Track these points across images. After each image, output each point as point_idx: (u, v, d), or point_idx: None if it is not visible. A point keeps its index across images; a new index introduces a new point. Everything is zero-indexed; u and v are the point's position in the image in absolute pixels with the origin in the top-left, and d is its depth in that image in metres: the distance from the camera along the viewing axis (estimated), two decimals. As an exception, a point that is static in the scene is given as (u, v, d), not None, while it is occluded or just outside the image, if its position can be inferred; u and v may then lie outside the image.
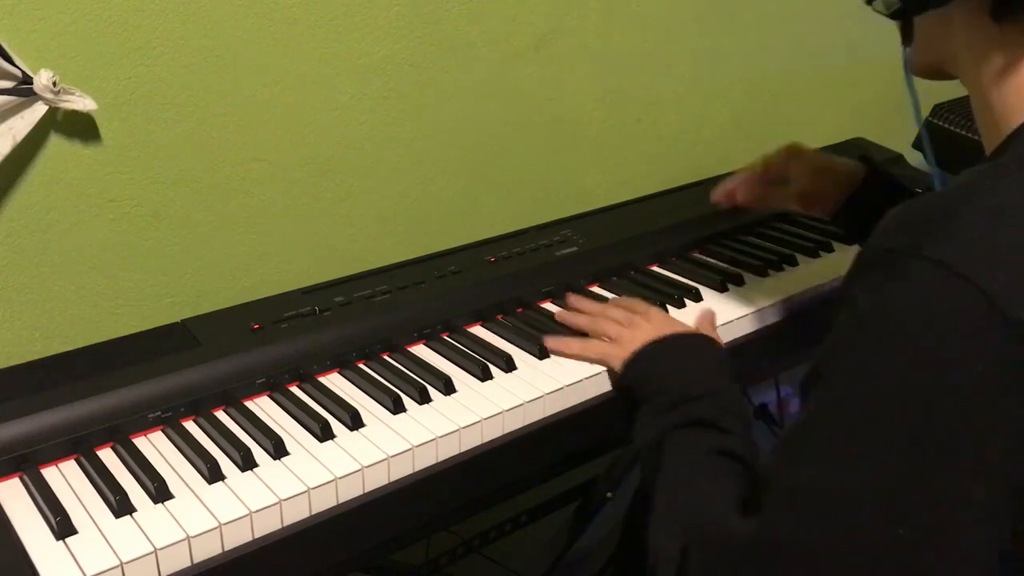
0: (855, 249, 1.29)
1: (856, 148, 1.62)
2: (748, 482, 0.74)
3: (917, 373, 0.57)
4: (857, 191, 1.12)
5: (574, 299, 1.09)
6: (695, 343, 0.94)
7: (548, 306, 1.12)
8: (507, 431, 0.91)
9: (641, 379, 0.91)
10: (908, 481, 0.56)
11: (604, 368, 0.97)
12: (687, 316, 1.08)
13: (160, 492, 0.77)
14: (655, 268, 1.22)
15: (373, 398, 0.92)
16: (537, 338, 1.01)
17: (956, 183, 0.64)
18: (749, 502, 0.68)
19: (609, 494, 1.45)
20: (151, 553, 0.72)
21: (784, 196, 1.17)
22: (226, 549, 0.75)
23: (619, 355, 0.94)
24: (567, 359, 0.99)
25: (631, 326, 0.98)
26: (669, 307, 1.10)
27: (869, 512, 0.57)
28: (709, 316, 1.06)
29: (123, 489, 0.77)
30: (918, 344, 0.57)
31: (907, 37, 0.81)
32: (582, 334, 1.03)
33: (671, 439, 0.81)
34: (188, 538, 0.73)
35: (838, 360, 0.62)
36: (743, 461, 0.76)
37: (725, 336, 1.07)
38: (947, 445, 0.56)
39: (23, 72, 0.95)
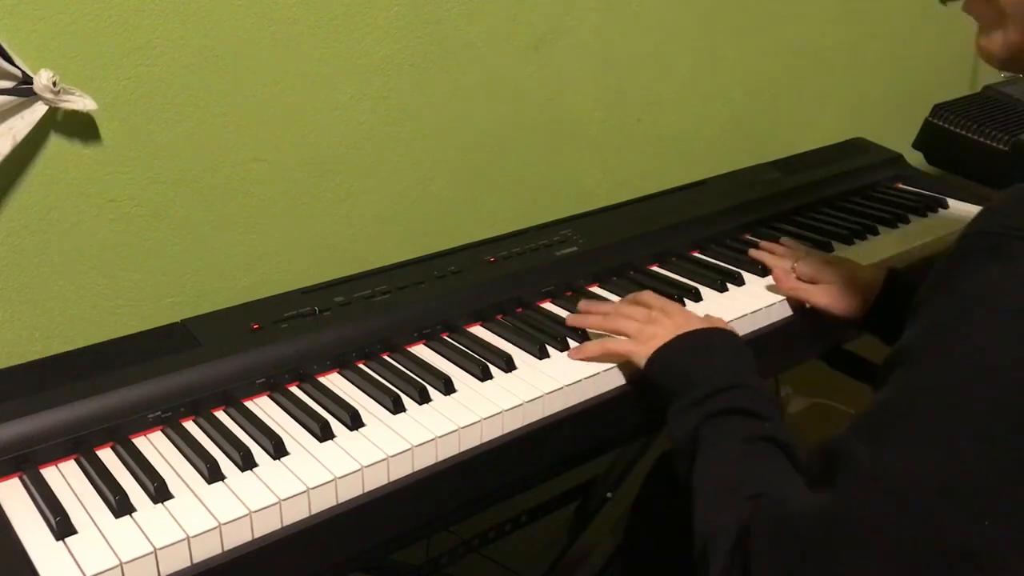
0: (854, 249, 1.29)
1: (856, 148, 1.62)
2: (794, 466, 0.75)
3: (1021, 359, 0.56)
4: (879, 296, 1.09)
5: (585, 303, 1.08)
6: (718, 336, 0.95)
7: (548, 306, 1.12)
8: (507, 431, 0.91)
9: (667, 375, 0.91)
10: (1007, 474, 0.56)
11: (603, 368, 0.97)
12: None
13: (160, 492, 0.77)
14: (655, 268, 1.22)
15: (373, 398, 0.92)
16: (537, 338, 1.01)
17: None
18: (817, 477, 0.66)
19: (609, 494, 1.45)
20: (151, 553, 0.72)
21: (815, 293, 1.13)
22: (226, 549, 0.75)
23: (641, 352, 0.95)
24: (565, 359, 0.99)
25: (650, 322, 0.98)
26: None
27: (957, 504, 0.56)
28: (717, 318, 1.06)
29: (123, 489, 0.77)
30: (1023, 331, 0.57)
31: None
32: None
33: (709, 428, 0.81)
34: (188, 538, 0.73)
35: (937, 342, 0.61)
36: (785, 447, 0.78)
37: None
38: None
39: (23, 72, 0.95)
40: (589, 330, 1.03)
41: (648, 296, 1.04)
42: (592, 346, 0.99)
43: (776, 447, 0.78)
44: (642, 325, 0.98)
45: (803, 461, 0.76)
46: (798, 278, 1.13)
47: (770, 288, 1.15)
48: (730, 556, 0.68)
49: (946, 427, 0.58)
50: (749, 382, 0.87)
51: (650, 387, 0.93)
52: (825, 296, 1.10)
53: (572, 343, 1.02)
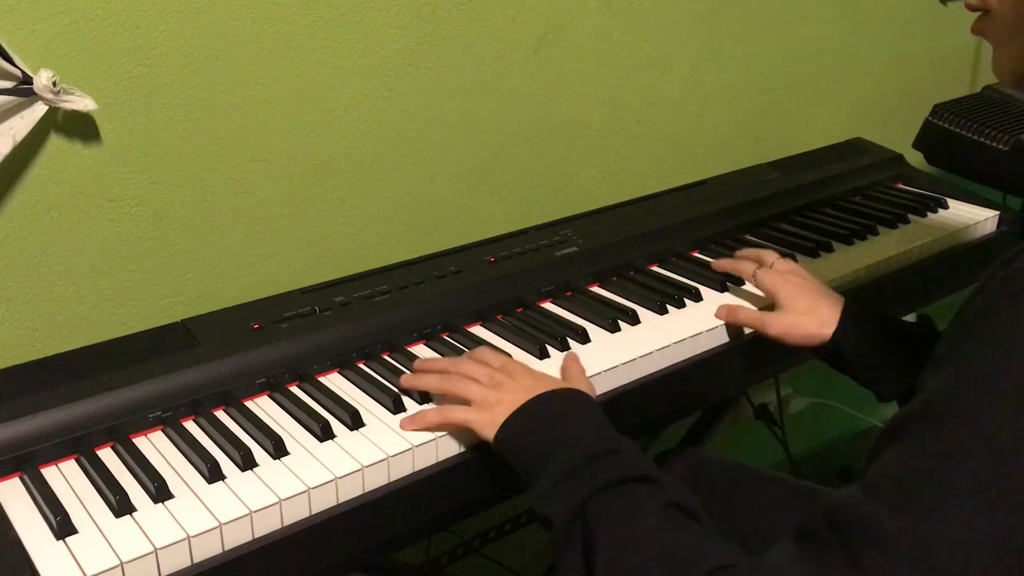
0: (854, 249, 1.29)
1: (856, 148, 1.62)
2: (720, 537, 0.67)
3: None
4: (837, 331, 1.00)
5: (419, 362, 0.95)
6: (573, 399, 0.84)
7: (548, 306, 1.12)
8: (507, 431, 0.90)
9: (522, 447, 0.80)
10: None
11: (605, 367, 0.97)
12: (687, 316, 1.09)
13: (160, 492, 0.77)
14: (655, 268, 1.23)
15: (373, 398, 0.92)
16: (537, 338, 1.01)
17: None
18: (823, 548, 0.57)
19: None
20: (151, 553, 0.72)
21: (767, 323, 1.04)
22: (226, 549, 0.75)
23: (486, 421, 0.83)
24: (562, 358, 0.99)
25: (494, 386, 0.86)
26: (669, 307, 1.10)
27: (1006, 562, 0.51)
28: (574, 356, 0.97)
29: (123, 489, 0.77)
30: None
31: None
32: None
33: (601, 504, 0.71)
34: (188, 538, 0.73)
35: (974, 394, 0.55)
36: (695, 512, 0.70)
37: (725, 335, 1.07)
38: None
39: (23, 72, 0.95)
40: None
41: (488, 355, 0.92)
42: (430, 415, 0.86)
43: (688, 514, 0.70)
44: (486, 390, 0.86)
45: (712, 526, 0.69)
46: (758, 284, 1.07)
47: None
48: None
49: (995, 487, 0.52)
50: (624, 446, 0.77)
51: (495, 458, 0.83)
52: (778, 324, 1.02)
53: (572, 343, 1.02)
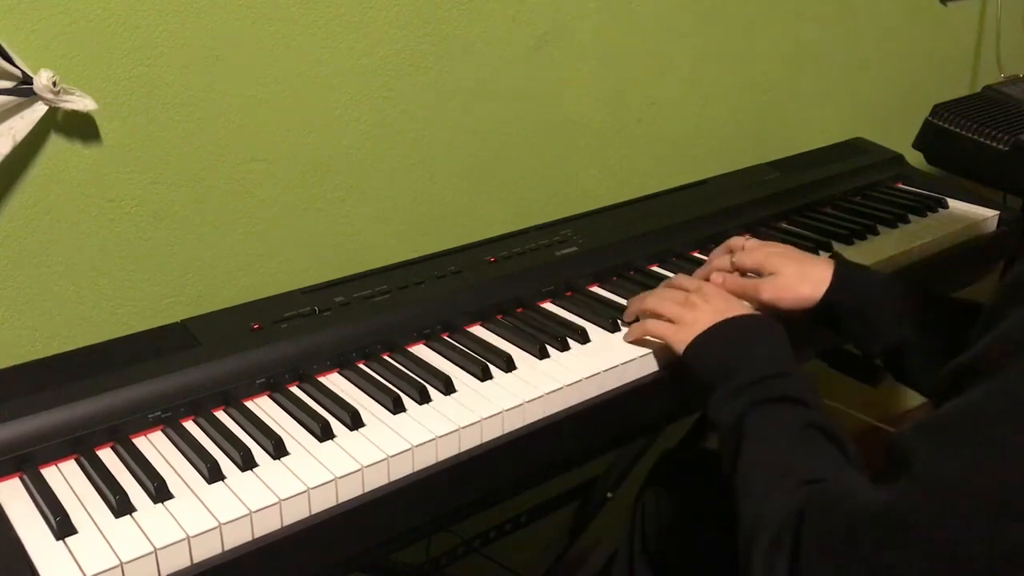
0: (854, 249, 1.29)
1: (856, 148, 1.62)
2: (843, 457, 0.75)
3: None
4: (831, 287, 1.03)
5: (634, 300, 1.07)
6: (758, 324, 0.93)
7: (548, 306, 1.12)
8: (507, 431, 0.91)
9: (708, 362, 0.91)
10: None
11: (603, 367, 0.97)
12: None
13: (160, 492, 0.77)
14: (655, 268, 1.22)
15: (373, 398, 0.92)
16: (537, 338, 1.01)
17: None
18: (882, 472, 0.66)
19: (609, 494, 1.45)
20: (151, 553, 0.72)
21: (759, 288, 1.06)
22: (226, 549, 0.75)
23: (680, 337, 0.94)
24: (567, 358, 0.99)
25: (689, 307, 0.97)
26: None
27: (1008, 515, 0.56)
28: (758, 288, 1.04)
29: (123, 489, 0.77)
30: None
31: None
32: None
33: (756, 416, 0.81)
34: (188, 538, 0.73)
35: (1015, 355, 0.60)
36: (834, 437, 0.77)
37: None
38: None
39: (23, 72, 0.95)
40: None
41: (685, 280, 1.04)
42: (635, 328, 1.00)
43: (829, 437, 0.77)
44: (682, 310, 0.97)
45: (853, 452, 0.77)
46: (739, 270, 1.08)
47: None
48: (779, 536, 0.68)
49: (1010, 439, 0.58)
50: (793, 370, 0.86)
51: (688, 373, 0.93)
52: (770, 290, 1.03)
53: (572, 343, 1.02)
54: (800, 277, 1.03)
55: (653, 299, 1.02)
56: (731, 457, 0.80)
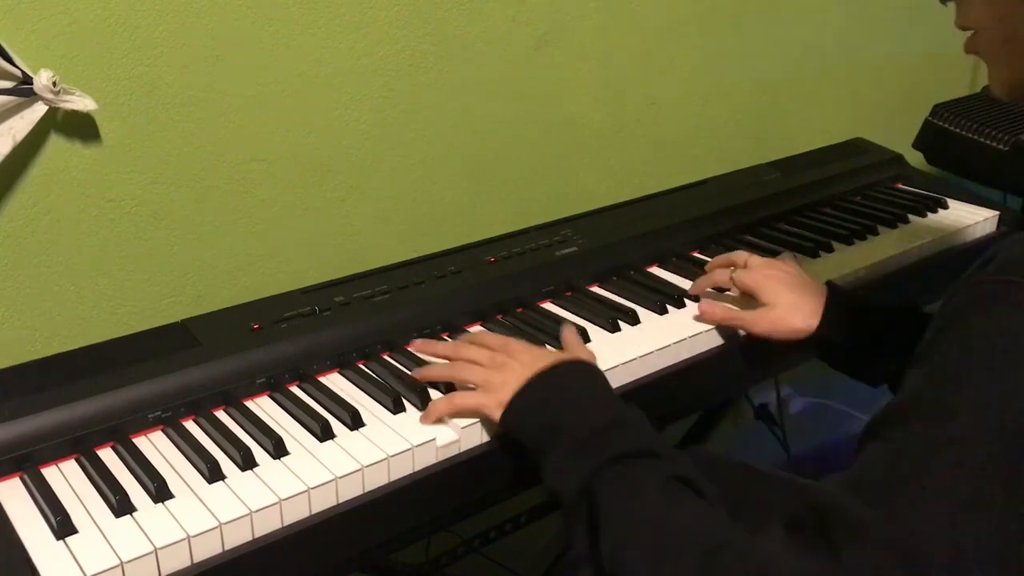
0: (854, 249, 1.29)
1: (856, 148, 1.62)
2: (720, 511, 0.69)
3: None
4: (824, 317, 1.00)
5: (417, 344, 0.99)
6: (575, 371, 0.85)
7: (548, 306, 1.12)
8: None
9: (529, 425, 0.82)
10: None
11: (605, 367, 0.97)
12: (687, 316, 1.09)
13: (160, 492, 0.77)
14: (655, 268, 1.22)
15: (373, 398, 0.92)
16: (537, 339, 1.01)
17: None
18: (808, 539, 0.60)
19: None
20: (151, 553, 0.72)
21: (752, 321, 1.04)
22: (226, 549, 0.75)
23: (493, 403, 0.85)
24: (561, 331, 0.98)
25: (496, 367, 0.87)
26: (669, 307, 1.10)
27: (983, 566, 0.53)
28: (570, 329, 0.98)
29: (123, 489, 0.77)
30: None
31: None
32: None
33: (607, 480, 0.72)
34: (188, 538, 0.73)
35: (949, 394, 0.57)
36: (696, 485, 0.71)
37: (726, 337, 1.07)
38: None
39: (23, 72, 0.95)
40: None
41: (486, 337, 0.94)
42: (440, 405, 0.87)
43: (692, 489, 0.71)
44: (489, 373, 0.87)
45: (712, 493, 0.71)
46: (738, 287, 1.06)
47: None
48: None
49: (967, 485, 0.54)
50: (628, 418, 0.78)
51: (507, 441, 0.85)
52: (763, 322, 1.01)
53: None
54: (793, 308, 1.00)
55: (451, 366, 0.91)
56: (586, 533, 0.72)
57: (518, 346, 0.91)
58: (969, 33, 0.78)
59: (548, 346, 1.00)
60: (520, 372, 0.85)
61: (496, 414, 0.85)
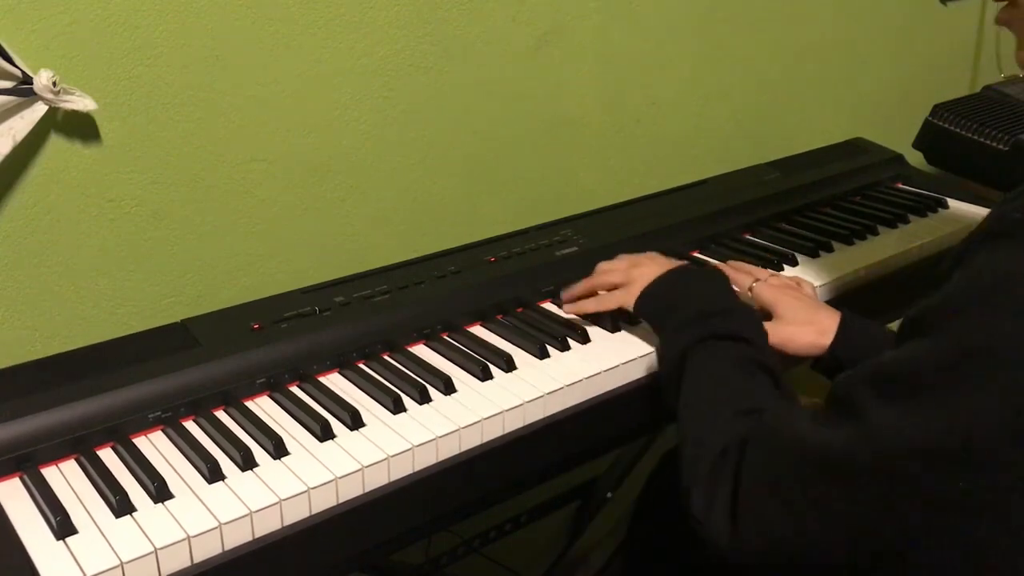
0: (854, 249, 1.29)
1: (856, 148, 1.62)
2: (779, 391, 0.80)
3: None
4: (835, 343, 1.02)
5: (566, 292, 1.10)
6: (700, 270, 1.00)
7: (548, 306, 1.12)
8: (507, 431, 0.91)
9: (656, 308, 0.96)
10: (997, 447, 0.59)
11: (604, 367, 0.97)
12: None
13: (160, 492, 0.77)
14: (655, 268, 1.22)
15: (373, 398, 0.92)
16: (537, 338, 1.01)
17: None
18: (825, 413, 0.69)
19: (609, 494, 1.45)
20: (151, 553, 0.72)
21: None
22: (226, 549, 0.75)
23: (630, 294, 0.99)
24: (567, 358, 0.99)
25: (635, 266, 1.02)
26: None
27: (943, 465, 0.61)
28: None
29: (123, 489, 0.77)
30: None
31: None
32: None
33: (699, 351, 0.85)
34: (188, 538, 0.73)
35: (951, 316, 0.63)
36: (772, 373, 0.81)
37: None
38: None
39: (23, 72, 0.95)
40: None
41: (622, 257, 1.07)
42: (588, 303, 1.05)
43: (765, 371, 0.81)
44: (627, 273, 1.02)
45: (789, 388, 0.82)
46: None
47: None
48: (721, 464, 0.73)
49: (949, 397, 0.61)
50: (735, 307, 0.91)
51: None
52: (779, 334, 1.02)
53: (572, 343, 1.02)
54: (808, 324, 1.02)
55: (597, 277, 1.06)
56: (674, 389, 0.85)
57: (651, 255, 1.06)
58: (1002, 5, 0.78)
59: (549, 346, 1.00)
60: (654, 269, 1.00)
61: (632, 302, 0.99)
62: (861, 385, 0.66)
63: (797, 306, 1.04)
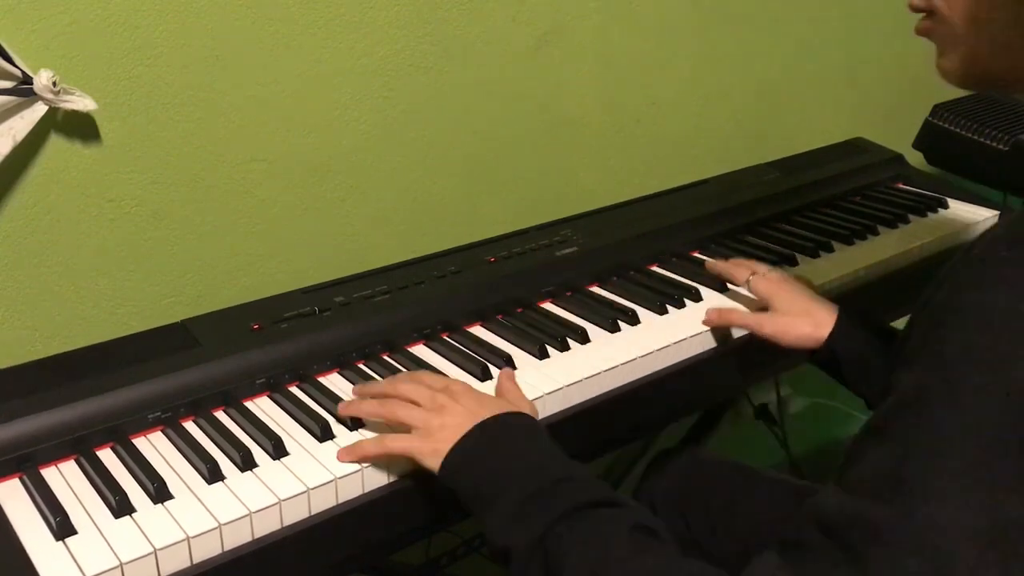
0: (854, 249, 1.29)
1: (856, 148, 1.62)
2: (692, 559, 0.66)
3: None
4: (832, 334, 1.00)
5: (357, 388, 0.91)
6: (521, 424, 0.80)
7: (548, 306, 1.12)
8: (507, 431, 0.90)
9: (470, 477, 0.76)
10: None
11: (605, 367, 0.97)
12: (687, 316, 1.09)
13: (160, 492, 0.77)
14: (655, 268, 1.22)
15: (373, 398, 0.92)
16: (537, 338, 1.01)
17: None
18: (819, 554, 0.57)
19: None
20: (151, 553, 0.72)
21: (762, 323, 1.03)
22: (226, 549, 0.75)
23: (429, 449, 0.79)
24: (565, 360, 0.99)
25: (436, 410, 0.81)
26: (669, 307, 1.10)
27: (1011, 546, 0.52)
28: (509, 374, 0.93)
29: (123, 489, 0.77)
30: None
31: None
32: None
33: (567, 532, 0.68)
34: (188, 538, 0.73)
35: (956, 379, 0.56)
36: (659, 533, 0.68)
37: (725, 338, 1.07)
38: None
39: (23, 72, 0.95)
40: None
41: (427, 376, 0.87)
42: (368, 445, 0.82)
43: (656, 537, 0.68)
44: (427, 415, 0.81)
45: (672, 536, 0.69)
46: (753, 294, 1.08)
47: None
48: None
49: (985, 465, 0.53)
50: (577, 473, 0.74)
51: (448, 491, 0.78)
52: (773, 325, 1.01)
53: (572, 343, 1.02)
54: (805, 316, 1.01)
55: (386, 403, 0.84)
56: None
57: (460, 388, 0.84)
58: (921, 16, 0.75)
59: (549, 346, 1.00)
60: (461, 419, 0.79)
61: (431, 462, 0.78)
62: (860, 503, 0.56)
63: (793, 298, 1.03)
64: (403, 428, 0.82)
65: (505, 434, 0.78)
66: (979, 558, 0.52)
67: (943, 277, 0.63)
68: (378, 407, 0.85)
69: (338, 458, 0.82)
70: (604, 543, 0.67)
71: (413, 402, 0.83)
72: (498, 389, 0.90)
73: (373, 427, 0.87)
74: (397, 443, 0.81)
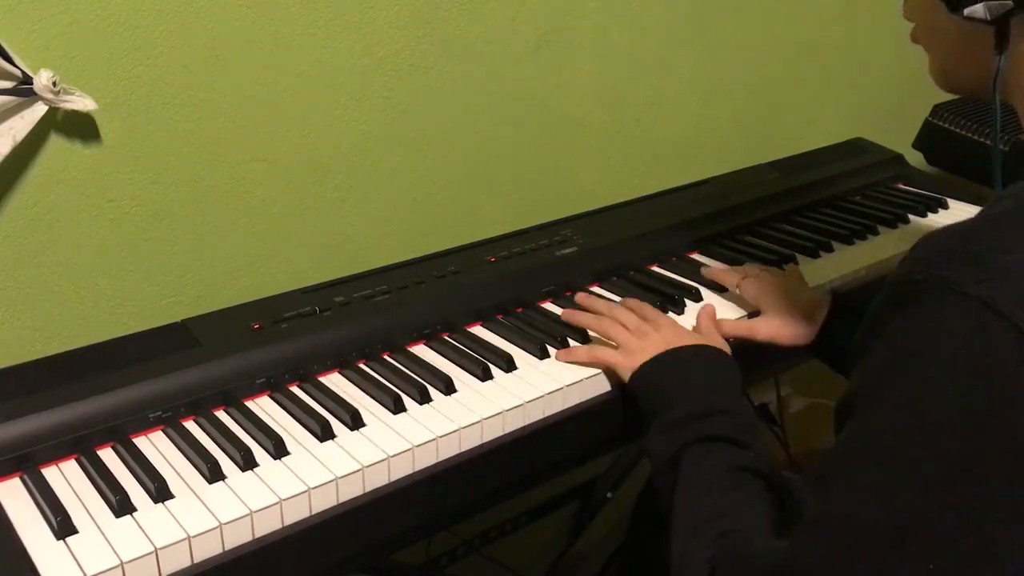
0: (854, 249, 1.29)
1: (856, 148, 1.62)
2: (770, 498, 0.75)
3: (958, 410, 0.57)
4: (826, 324, 1.02)
5: (582, 296, 1.07)
6: (705, 357, 0.92)
7: (548, 306, 1.12)
8: (507, 431, 0.91)
9: (649, 392, 0.90)
10: (948, 522, 0.57)
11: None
12: (687, 316, 1.08)
13: (160, 492, 0.77)
14: (655, 268, 1.22)
15: (373, 398, 0.92)
16: (537, 338, 1.01)
17: (1000, 210, 0.63)
18: (780, 523, 0.68)
19: (609, 494, 1.45)
20: (151, 553, 0.72)
21: (755, 328, 1.05)
22: (227, 549, 0.75)
23: (626, 364, 0.93)
24: (697, 311, 1.01)
25: (639, 334, 0.96)
26: (669, 307, 1.10)
27: (898, 552, 0.57)
28: (710, 312, 1.03)
29: (123, 489, 0.77)
30: (958, 382, 0.57)
31: (1003, 42, 0.73)
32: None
33: (690, 454, 0.80)
34: (188, 538, 0.73)
35: (875, 392, 0.62)
36: (763, 477, 0.77)
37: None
38: (987, 485, 0.56)
39: (23, 72, 0.95)
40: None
41: (643, 307, 1.02)
42: (580, 352, 0.98)
43: (756, 478, 0.77)
44: (631, 336, 0.96)
45: (787, 478, 0.76)
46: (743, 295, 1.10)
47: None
48: None
49: (888, 476, 0.59)
50: (732, 407, 0.85)
51: (631, 400, 0.93)
52: (766, 328, 1.03)
53: (572, 343, 1.02)
54: (788, 315, 1.03)
55: (601, 320, 1.00)
56: (667, 492, 0.80)
57: (665, 321, 0.99)
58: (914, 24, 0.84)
59: (549, 346, 1.00)
60: (658, 343, 0.93)
61: (626, 375, 0.93)
62: (804, 486, 0.65)
63: (781, 297, 1.05)
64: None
65: (689, 360, 0.92)
66: (876, 554, 0.58)
67: (891, 278, 0.66)
68: (594, 321, 1.01)
69: (556, 358, 0.98)
70: (710, 474, 0.78)
71: (623, 325, 0.98)
72: (696, 326, 1.02)
73: (377, 432, 0.87)
74: (604, 353, 0.96)
